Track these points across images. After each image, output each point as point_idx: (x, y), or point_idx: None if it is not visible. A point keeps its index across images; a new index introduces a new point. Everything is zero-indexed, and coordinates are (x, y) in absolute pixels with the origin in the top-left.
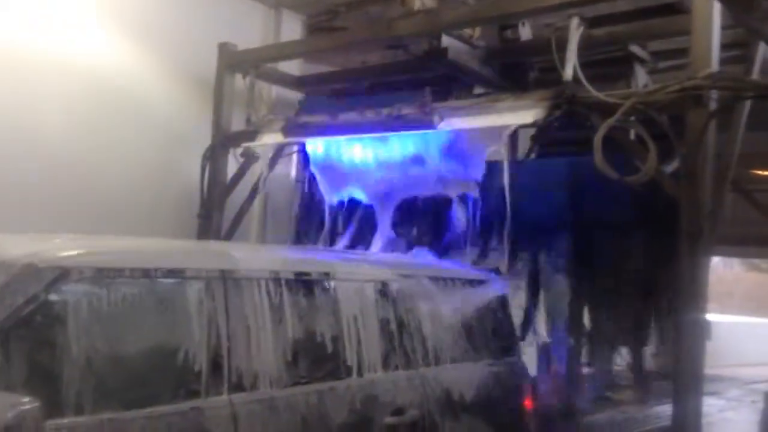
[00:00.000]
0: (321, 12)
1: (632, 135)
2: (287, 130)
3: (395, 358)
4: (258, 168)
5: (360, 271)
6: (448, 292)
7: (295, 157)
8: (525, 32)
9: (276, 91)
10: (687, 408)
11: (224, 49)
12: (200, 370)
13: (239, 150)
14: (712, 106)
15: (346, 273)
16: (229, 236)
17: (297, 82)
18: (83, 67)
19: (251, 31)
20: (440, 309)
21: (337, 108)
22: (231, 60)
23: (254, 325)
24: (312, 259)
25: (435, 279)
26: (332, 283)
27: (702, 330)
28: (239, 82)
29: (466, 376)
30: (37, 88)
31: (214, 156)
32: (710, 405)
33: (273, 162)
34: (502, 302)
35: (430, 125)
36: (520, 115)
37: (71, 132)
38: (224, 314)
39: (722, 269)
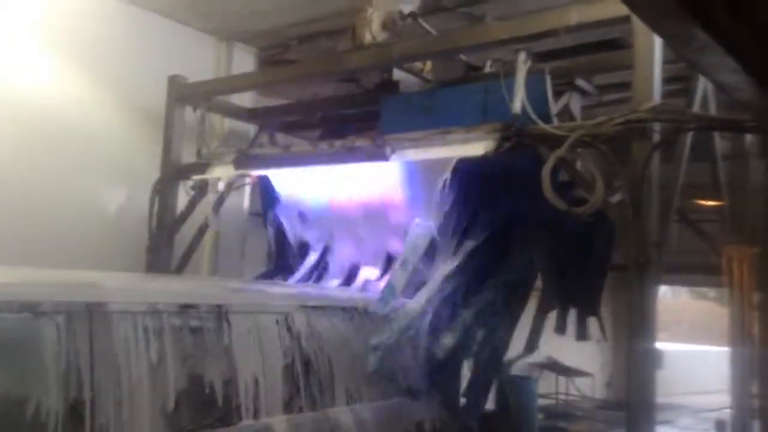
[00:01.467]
0: (273, 45)
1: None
2: (238, 163)
3: (299, 399)
4: (208, 201)
5: (258, 303)
6: (366, 324)
7: (247, 189)
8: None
9: (228, 123)
10: None
11: (174, 81)
12: (55, 425)
13: (189, 183)
14: (656, 137)
15: (242, 305)
16: (179, 270)
17: (249, 115)
18: (29, 98)
19: (202, 64)
20: (356, 342)
21: (294, 141)
22: (181, 92)
23: (126, 368)
24: (201, 289)
25: (350, 310)
26: (225, 317)
27: (653, 359)
28: (190, 114)
29: (388, 413)
30: None
31: (163, 189)
32: None
33: (224, 195)
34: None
35: (382, 158)
36: (471, 147)
37: (17, 164)
38: (88, 356)
39: (670, 298)
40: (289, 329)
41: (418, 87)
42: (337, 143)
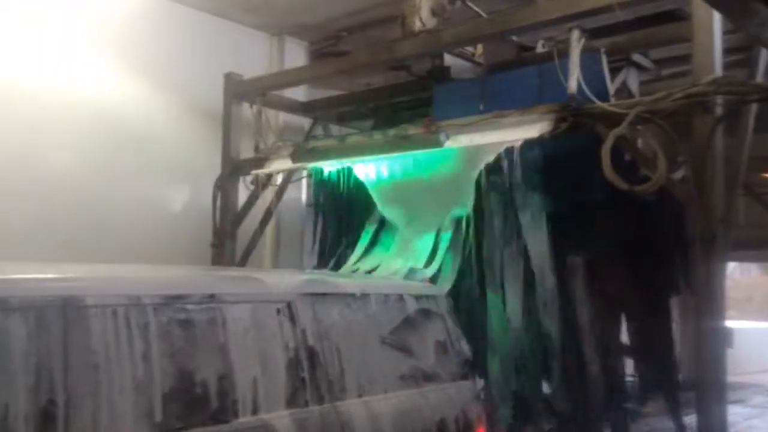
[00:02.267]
0: (323, 38)
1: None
2: (295, 156)
3: (304, 393)
4: (269, 195)
5: (255, 292)
6: (376, 311)
7: (305, 181)
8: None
9: (283, 117)
10: (712, 418)
11: (230, 79)
12: (27, 427)
13: (249, 178)
14: (718, 111)
15: (237, 294)
16: (242, 264)
17: (303, 108)
18: (91, 104)
19: (255, 60)
20: (366, 331)
21: (345, 131)
22: (237, 89)
23: (105, 366)
24: (192, 278)
25: (358, 297)
26: (218, 307)
27: (723, 338)
28: (246, 110)
29: (400, 406)
30: (47, 125)
31: (224, 185)
32: (735, 413)
33: (283, 188)
34: (447, 318)
35: (436, 144)
36: (526, 129)
37: (83, 167)
38: (61, 353)
39: (739, 275)
40: (291, 319)
41: (470, 72)
42: (391, 132)
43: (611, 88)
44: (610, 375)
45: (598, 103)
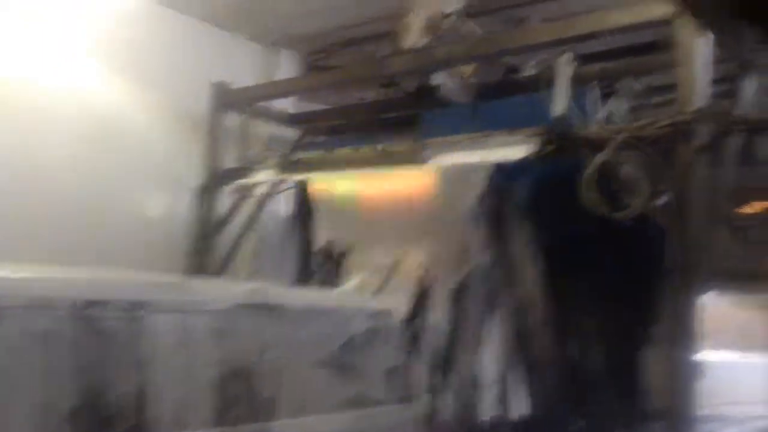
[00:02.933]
0: (315, 50)
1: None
2: (280, 167)
3: (236, 411)
4: (251, 205)
5: (187, 301)
6: (321, 327)
7: (288, 194)
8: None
9: (270, 127)
10: None
11: (218, 87)
12: None
13: (231, 187)
14: (701, 140)
15: (166, 302)
16: (219, 273)
17: (291, 120)
18: (74, 104)
19: (246, 69)
20: (308, 348)
21: (335, 145)
22: (225, 98)
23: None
24: (114, 283)
25: (302, 311)
26: (143, 316)
27: (696, 369)
28: (233, 119)
29: (341, 428)
30: (33, 126)
31: (205, 193)
32: None
33: (266, 199)
34: (398, 337)
35: (421, 161)
36: (512, 150)
37: (63, 170)
38: None
39: (714, 305)
40: (224, 332)
41: (460, 91)
42: (378, 147)
43: (599, 114)
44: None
45: (584, 127)
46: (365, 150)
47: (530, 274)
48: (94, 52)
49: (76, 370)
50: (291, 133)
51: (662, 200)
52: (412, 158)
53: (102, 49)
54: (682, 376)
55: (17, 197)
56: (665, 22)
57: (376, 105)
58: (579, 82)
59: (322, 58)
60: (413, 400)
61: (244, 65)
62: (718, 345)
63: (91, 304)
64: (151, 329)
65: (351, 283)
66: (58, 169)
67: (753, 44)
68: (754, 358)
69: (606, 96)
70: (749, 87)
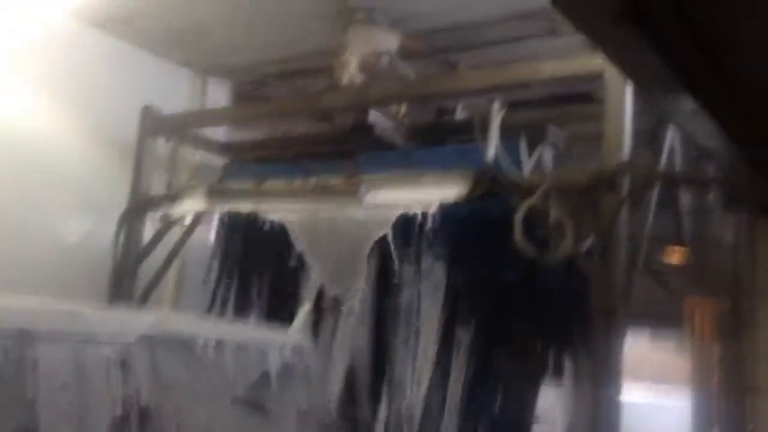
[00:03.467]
0: (249, 80)
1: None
2: (210, 197)
3: None
4: (175, 234)
5: (79, 331)
6: (230, 363)
7: (215, 223)
8: (461, 115)
9: (199, 155)
10: None
11: (147, 112)
12: None
13: (157, 215)
14: (625, 190)
15: (54, 331)
16: (142, 302)
17: (222, 148)
18: None
19: (176, 96)
20: (216, 386)
21: (264, 174)
22: (154, 124)
23: None
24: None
25: (210, 345)
26: (25, 346)
27: (619, 408)
28: (161, 146)
29: None
30: None
31: (129, 220)
32: None
33: (191, 228)
34: (311, 375)
35: (357, 196)
36: (444, 190)
37: None
38: None
39: (629, 347)
40: (124, 367)
41: (392, 130)
42: (312, 181)
43: (529, 159)
44: None
45: (513, 173)
46: (299, 183)
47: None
48: (18, 73)
49: None
50: (221, 161)
51: (586, 245)
52: (348, 193)
53: (27, 70)
54: (604, 416)
55: None
56: (597, 75)
57: (310, 138)
58: (509, 129)
59: (256, 88)
60: None
61: (175, 91)
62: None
63: None
64: (39, 362)
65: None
66: None
67: (673, 96)
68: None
69: (535, 143)
70: (670, 138)
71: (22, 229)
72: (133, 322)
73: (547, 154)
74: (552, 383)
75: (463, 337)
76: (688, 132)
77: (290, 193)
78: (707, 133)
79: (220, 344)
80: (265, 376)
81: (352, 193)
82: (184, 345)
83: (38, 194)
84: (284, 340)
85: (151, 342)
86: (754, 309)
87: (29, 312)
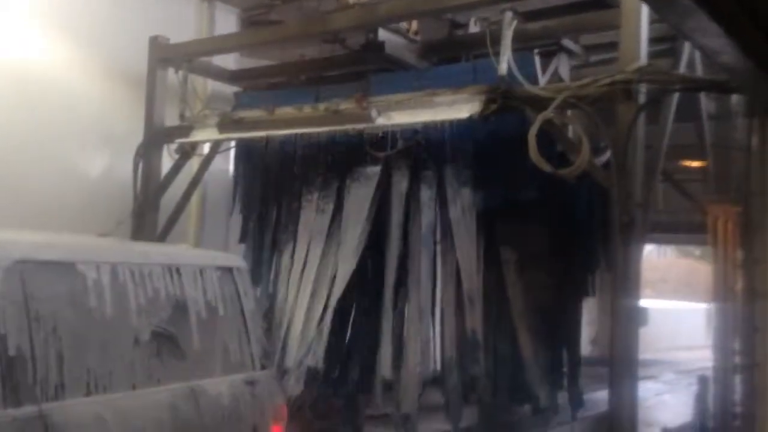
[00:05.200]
0: (256, 5)
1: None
2: (222, 126)
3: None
4: (194, 165)
5: None
6: (134, 287)
7: (232, 152)
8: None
9: (211, 85)
10: (623, 392)
11: (156, 42)
12: None
13: (173, 146)
14: (641, 99)
15: None
16: (164, 235)
17: (232, 77)
18: (6, 63)
19: (184, 25)
20: (118, 314)
21: (275, 101)
22: (163, 54)
23: None
24: None
25: (103, 267)
26: None
27: (636, 316)
28: (172, 76)
29: (153, 404)
30: None
31: (146, 153)
32: (647, 389)
33: (209, 158)
34: (243, 298)
35: (368, 120)
36: (457, 109)
37: (1, 133)
38: None
39: (656, 257)
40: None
41: (404, 48)
42: (322, 106)
43: (544, 74)
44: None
45: (528, 85)
46: (309, 109)
47: (470, 239)
48: (26, 11)
49: None
50: (232, 90)
51: (603, 158)
52: (359, 117)
53: (34, 7)
54: (625, 324)
55: None
56: None
57: (320, 62)
58: (522, 41)
59: (263, 13)
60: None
61: (182, 21)
62: (660, 294)
63: None
64: None
65: None
66: None
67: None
68: (693, 306)
69: (549, 55)
70: (688, 46)
71: (42, 166)
72: (13, 243)
73: (562, 66)
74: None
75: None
76: (700, 45)
77: (301, 119)
78: (722, 48)
79: (117, 265)
80: (180, 298)
81: (363, 116)
82: (69, 267)
83: (54, 130)
84: (209, 261)
85: (30, 266)
86: (764, 212)
87: None
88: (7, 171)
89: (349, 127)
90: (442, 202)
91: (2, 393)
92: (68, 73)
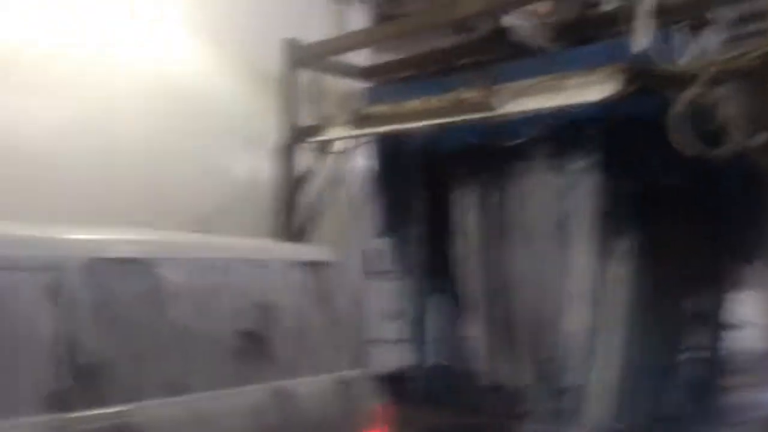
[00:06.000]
0: (384, 0)
1: None
2: (355, 123)
3: (68, 395)
4: (331, 162)
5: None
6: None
7: (370, 148)
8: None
9: (344, 82)
10: None
11: (290, 44)
12: None
13: (309, 145)
14: None
15: None
16: (303, 232)
17: (364, 73)
18: (149, 66)
19: (314, 23)
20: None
21: (406, 95)
22: (298, 55)
23: None
24: None
25: (191, 263)
26: None
27: None
28: (306, 76)
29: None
30: (112, 88)
31: (284, 152)
32: None
33: (346, 155)
34: (337, 291)
35: (490, 109)
36: (590, 92)
37: (143, 131)
38: None
39: None
40: (56, 296)
41: (534, 33)
42: (445, 97)
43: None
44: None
45: (668, 64)
46: (434, 100)
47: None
48: (166, 14)
49: None
50: (364, 86)
51: (760, 137)
52: (482, 106)
53: (173, 10)
54: None
55: (102, 161)
56: None
57: (449, 52)
58: (663, 15)
59: (393, 7)
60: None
61: (313, 19)
62: None
63: None
64: None
65: None
66: (136, 132)
67: None
68: None
69: (695, 29)
70: None
71: (182, 166)
72: (81, 241)
73: (709, 41)
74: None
75: (625, 247)
76: None
77: (427, 111)
78: None
79: (196, 263)
80: (265, 300)
81: (485, 105)
82: (140, 268)
83: (194, 130)
84: (302, 256)
85: (98, 265)
86: None
87: None
88: (151, 171)
89: (471, 116)
90: (565, 190)
91: (81, 394)
92: (211, 78)
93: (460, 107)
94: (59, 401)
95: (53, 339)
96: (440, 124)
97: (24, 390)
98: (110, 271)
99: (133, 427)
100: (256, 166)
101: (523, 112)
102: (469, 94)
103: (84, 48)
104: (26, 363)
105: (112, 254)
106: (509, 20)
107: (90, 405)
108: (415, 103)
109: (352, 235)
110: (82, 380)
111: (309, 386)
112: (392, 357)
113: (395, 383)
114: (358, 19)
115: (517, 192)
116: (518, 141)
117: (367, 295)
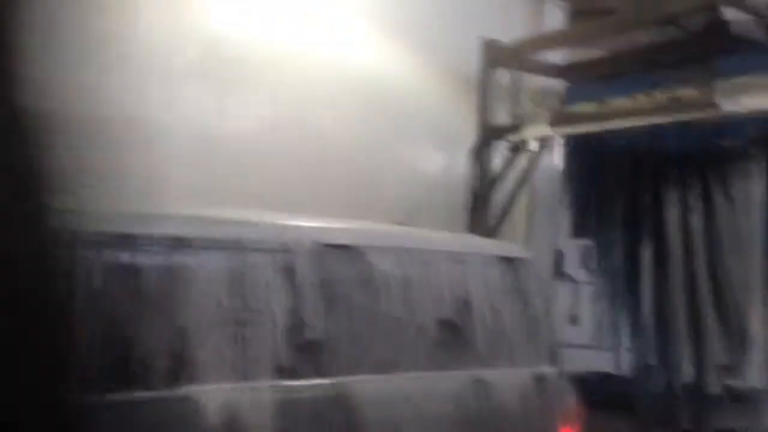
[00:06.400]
0: None
1: None
2: (554, 122)
3: (296, 365)
4: (524, 161)
5: (240, 238)
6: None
7: (561, 148)
8: None
9: (541, 81)
10: None
11: (488, 44)
12: None
13: (504, 144)
14: None
15: (209, 239)
16: (495, 229)
17: (561, 71)
18: (354, 67)
19: (510, 22)
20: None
21: (607, 93)
22: (494, 54)
23: None
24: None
25: (396, 251)
26: (175, 251)
27: None
28: (501, 75)
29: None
30: (320, 89)
31: (479, 150)
32: None
33: (539, 154)
34: (532, 288)
35: (714, 108)
36: None
37: (350, 129)
38: None
39: None
40: (291, 275)
41: (756, 27)
42: (658, 94)
43: None
44: None
45: None
46: (642, 98)
47: None
48: (366, 20)
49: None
50: (562, 85)
51: None
52: (704, 104)
53: (369, 11)
54: None
55: (304, 159)
56: None
57: (654, 48)
58: None
59: (588, 2)
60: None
61: (509, 18)
62: None
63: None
64: (195, 269)
65: None
66: (343, 131)
67: None
68: None
69: None
70: None
71: (383, 163)
72: (306, 228)
73: None
74: None
75: None
76: None
77: (636, 109)
78: None
79: (403, 253)
80: (462, 291)
81: (707, 103)
82: (355, 255)
83: (394, 129)
84: (493, 251)
85: (326, 249)
86: None
87: (191, 220)
88: (353, 165)
89: (691, 115)
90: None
91: (305, 365)
92: (411, 78)
93: (676, 105)
94: (287, 370)
95: (285, 314)
96: (650, 124)
97: (260, 358)
98: (331, 255)
99: (347, 396)
100: (452, 163)
101: (755, 111)
102: (686, 92)
103: (297, 52)
104: (262, 334)
105: (333, 240)
106: (726, 13)
107: (312, 375)
108: (620, 101)
109: (543, 235)
110: (306, 353)
111: (508, 378)
112: (579, 361)
113: (584, 386)
114: (557, 16)
115: (729, 197)
116: (734, 142)
117: (555, 297)
